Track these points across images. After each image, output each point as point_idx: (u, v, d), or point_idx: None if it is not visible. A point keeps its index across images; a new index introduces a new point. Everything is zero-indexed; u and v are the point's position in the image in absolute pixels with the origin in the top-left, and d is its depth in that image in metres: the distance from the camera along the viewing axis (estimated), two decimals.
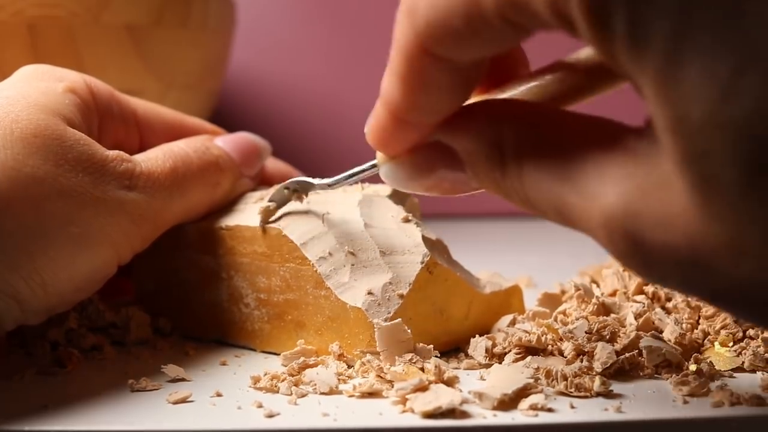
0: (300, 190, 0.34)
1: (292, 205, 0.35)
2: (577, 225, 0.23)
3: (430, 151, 0.27)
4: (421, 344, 0.31)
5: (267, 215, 0.34)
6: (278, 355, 0.33)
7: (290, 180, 0.35)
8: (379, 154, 0.29)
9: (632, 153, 0.21)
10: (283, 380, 0.30)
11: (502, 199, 0.26)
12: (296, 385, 0.29)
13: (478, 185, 0.26)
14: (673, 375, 0.30)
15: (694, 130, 0.18)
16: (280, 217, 0.34)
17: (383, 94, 0.26)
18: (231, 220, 0.36)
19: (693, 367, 0.31)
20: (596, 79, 0.26)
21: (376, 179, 0.36)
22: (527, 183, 0.24)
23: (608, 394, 0.29)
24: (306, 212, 0.35)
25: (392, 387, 0.29)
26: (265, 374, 0.30)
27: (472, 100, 0.27)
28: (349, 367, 0.31)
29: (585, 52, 0.27)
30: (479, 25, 0.22)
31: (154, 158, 0.34)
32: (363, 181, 0.32)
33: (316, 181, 0.34)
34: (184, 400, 0.29)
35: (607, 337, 0.32)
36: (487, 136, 0.25)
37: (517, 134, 0.24)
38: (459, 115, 0.26)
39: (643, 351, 0.31)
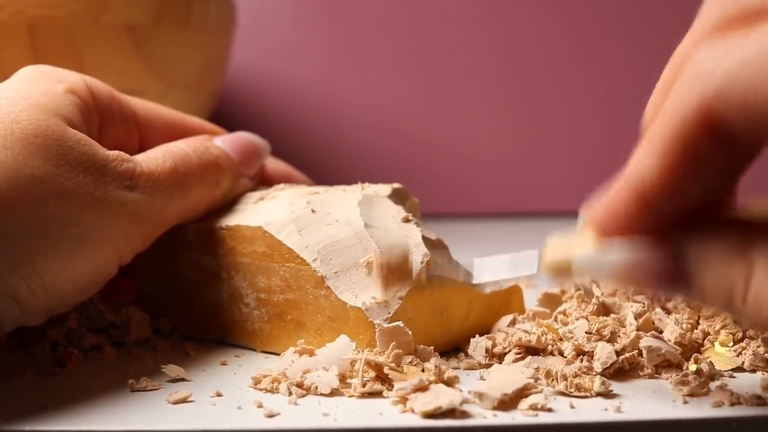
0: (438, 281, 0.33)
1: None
2: None
3: (652, 249, 0.24)
4: (421, 346, 0.31)
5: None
6: (278, 355, 0.33)
7: (435, 261, 0.32)
8: (562, 247, 0.26)
9: None
10: (282, 381, 0.30)
11: (721, 310, 0.24)
12: (297, 385, 0.29)
13: (697, 296, 0.24)
14: (673, 375, 0.30)
15: None
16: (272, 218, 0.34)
17: (633, 174, 0.23)
18: (231, 220, 0.36)
19: (693, 367, 0.31)
20: None
21: (376, 179, 0.36)
22: None
23: (608, 394, 0.29)
24: (306, 212, 0.35)
25: (392, 387, 0.29)
26: (266, 377, 0.30)
27: None
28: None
29: None
30: None
31: (154, 158, 0.34)
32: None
33: (461, 272, 0.32)
34: (184, 400, 0.29)
35: (607, 337, 0.32)
36: (732, 241, 0.23)
37: None
38: (699, 219, 0.24)
39: (643, 351, 0.31)
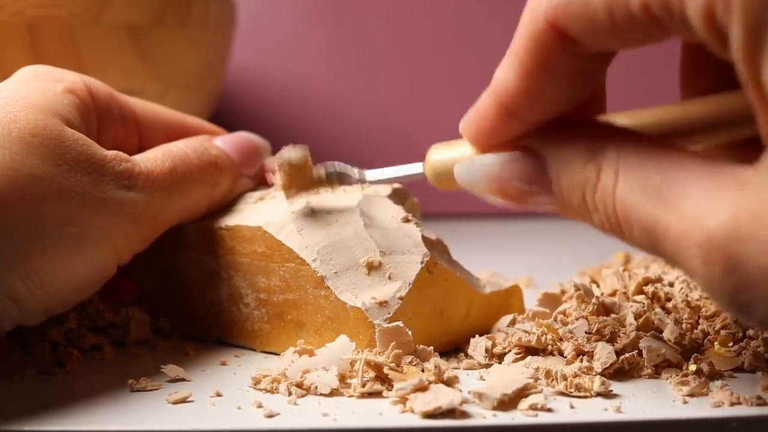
0: (336, 179, 0.34)
1: (320, 194, 0.35)
2: (666, 245, 0.23)
3: (517, 154, 0.26)
4: (421, 346, 0.31)
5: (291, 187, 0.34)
6: (278, 355, 0.33)
7: (331, 163, 0.34)
8: (442, 153, 0.29)
9: (744, 183, 0.21)
10: (282, 381, 0.30)
11: (576, 215, 0.25)
12: (297, 386, 0.29)
13: (556, 199, 0.26)
14: (673, 375, 0.30)
15: None
16: (272, 218, 0.34)
17: (495, 82, 0.25)
18: (231, 220, 0.36)
19: (693, 367, 0.31)
20: (702, 125, 0.26)
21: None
22: (621, 199, 0.23)
23: (608, 394, 0.29)
24: (305, 216, 0.35)
25: (392, 387, 0.29)
26: (265, 377, 0.30)
27: None
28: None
29: (691, 100, 0.27)
30: (620, 13, 0.21)
31: (153, 158, 0.34)
32: (410, 182, 0.33)
33: (355, 171, 0.34)
34: (183, 400, 0.29)
35: (607, 337, 0.32)
36: (586, 146, 0.25)
37: (619, 150, 0.24)
38: (557, 123, 0.25)
39: (643, 351, 0.31)
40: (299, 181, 0.34)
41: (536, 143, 0.26)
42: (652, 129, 0.27)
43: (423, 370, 0.30)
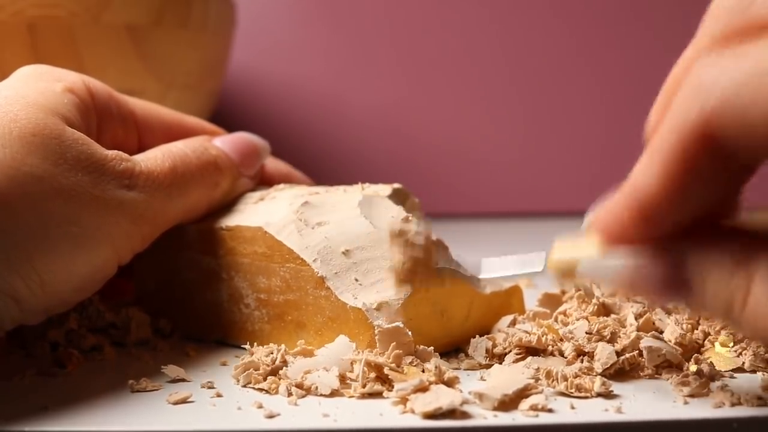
0: (449, 273, 0.33)
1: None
2: None
3: (654, 256, 0.25)
4: (421, 346, 0.31)
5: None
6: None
7: (442, 266, 0.32)
8: (568, 250, 0.27)
9: None
10: (282, 381, 0.30)
11: (720, 321, 0.25)
12: (297, 386, 0.29)
13: (698, 305, 0.24)
14: (674, 375, 0.30)
15: None
16: (271, 218, 0.34)
17: (634, 184, 0.24)
18: (231, 221, 0.36)
19: (693, 368, 0.31)
20: None
21: (376, 179, 0.36)
22: None
23: (608, 395, 0.29)
24: (305, 216, 0.35)
25: (392, 388, 0.29)
26: (266, 378, 0.30)
27: None
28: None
29: None
30: None
31: (153, 158, 0.34)
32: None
33: (468, 272, 0.32)
34: (184, 401, 0.29)
35: (608, 337, 0.32)
36: (732, 252, 0.23)
37: None
38: (701, 228, 0.24)
39: (644, 351, 0.31)
40: (420, 268, 0.32)
41: (676, 249, 0.24)
42: None
43: (423, 371, 0.30)
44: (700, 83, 0.21)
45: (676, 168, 0.22)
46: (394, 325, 0.30)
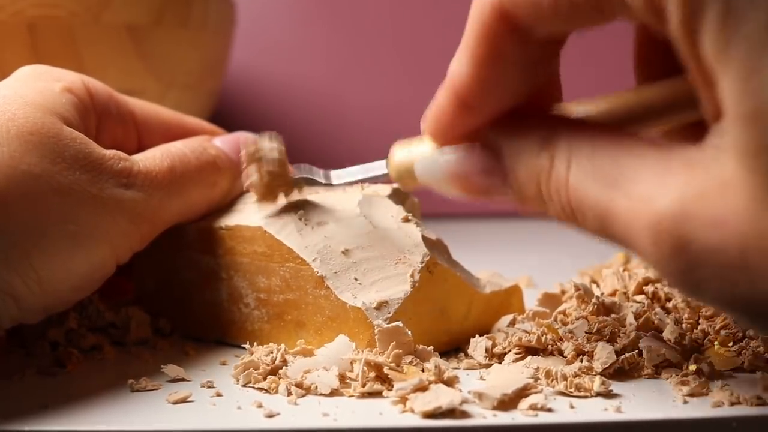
0: (305, 183, 0.34)
1: (294, 195, 0.35)
2: (618, 229, 0.23)
3: (475, 148, 0.27)
4: (421, 346, 0.31)
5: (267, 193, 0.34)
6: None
7: (297, 166, 0.34)
8: (403, 152, 0.29)
9: (691, 163, 0.21)
10: (282, 381, 0.30)
11: (534, 205, 0.25)
12: (297, 386, 0.29)
13: (514, 191, 0.26)
14: (673, 375, 0.30)
15: None
16: (271, 217, 0.34)
17: (449, 75, 0.25)
18: (231, 220, 0.36)
19: (693, 367, 0.31)
20: (652, 110, 0.27)
21: (376, 179, 0.36)
22: (573, 187, 0.24)
23: (608, 394, 0.29)
24: (305, 216, 0.35)
25: (392, 387, 0.29)
26: (266, 378, 0.30)
27: None
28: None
29: (642, 87, 0.28)
30: None
31: (151, 158, 0.34)
32: (376, 182, 0.33)
33: (322, 174, 0.34)
34: (184, 400, 0.29)
35: (607, 337, 0.32)
36: (539, 136, 0.25)
37: (571, 138, 0.24)
38: (511, 116, 0.26)
39: (643, 351, 0.31)
40: (277, 181, 0.34)
41: (492, 135, 0.26)
42: (605, 116, 0.27)
43: (423, 370, 0.30)
44: None
45: (481, 51, 0.24)
46: (393, 324, 0.31)
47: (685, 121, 0.27)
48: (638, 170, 0.22)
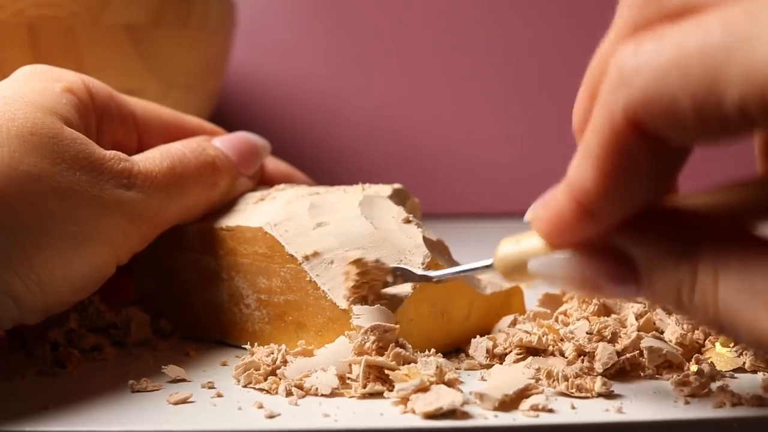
0: (400, 277, 0.32)
1: (387, 289, 0.32)
2: None
3: (600, 254, 0.25)
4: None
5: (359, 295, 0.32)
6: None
7: (394, 266, 0.32)
8: (512, 247, 0.27)
9: None
10: (282, 381, 0.30)
11: (674, 311, 0.24)
12: (297, 386, 0.29)
13: (648, 296, 0.24)
14: (674, 375, 0.30)
15: None
16: (272, 217, 0.34)
17: (571, 179, 0.24)
18: (232, 221, 0.36)
19: (694, 368, 0.31)
20: None
21: (376, 179, 0.36)
22: (723, 303, 0.22)
23: (609, 395, 0.29)
24: (306, 217, 0.35)
25: (393, 388, 0.28)
26: (266, 378, 0.30)
27: None
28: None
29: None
30: (710, 112, 0.20)
31: (151, 158, 0.34)
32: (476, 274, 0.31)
33: (419, 272, 0.32)
34: (184, 401, 0.29)
35: (608, 337, 0.32)
36: (677, 243, 0.23)
37: (716, 248, 0.22)
38: (644, 218, 0.24)
39: (644, 351, 0.31)
40: (370, 283, 0.32)
41: (621, 241, 0.24)
42: (733, 209, 0.25)
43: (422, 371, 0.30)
44: (622, 72, 0.21)
45: (610, 161, 0.22)
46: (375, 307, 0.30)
47: None
48: None
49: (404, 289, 0.32)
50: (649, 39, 0.21)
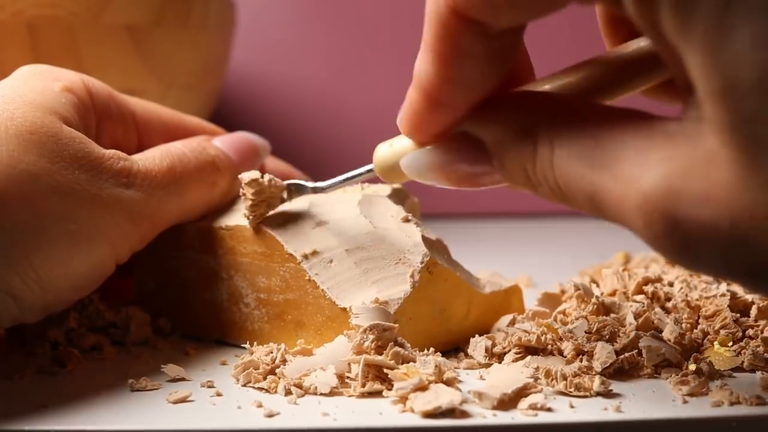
0: (294, 192, 0.34)
1: (284, 206, 0.35)
2: (609, 210, 0.23)
3: (456, 141, 0.26)
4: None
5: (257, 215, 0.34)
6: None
7: (287, 182, 0.35)
8: (386, 149, 0.29)
9: (672, 137, 0.21)
10: (281, 380, 0.30)
11: (526, 190, 0.25)
12: (296, 385, 0.29)
13: (503, 177, 0.26)
14: (673, 374, 0.30)
15: (743, 93, 0.19)
16: (271, 217, 0.34)
17: (416, 75, 0.25)
18: (231, 220, 0.36)
19: (692, 367, 0.31)
20: (626, 74, 0.27)
21: (376, 179, 0.36)
22: (559, 170, 0.23)
23: (608, 394, 0.29)
24: (305, 216, 0.35)
25: (392, 387, 0.29)
26: (266, 377, 0.30)
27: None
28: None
29: (614, 51, 0.27)
30: None
31: (151, 157, 0.34)
32: (364, 181, 0.33)
33: (311, 184, 0.34)
34: (184, 400, 0.29)
35: (607, 336, 0.32)
36: (519, 123, 0.25)
37: (551, 122, 0.24)
38: (488, 104, 0.25)
39: (643, 351, 0.31)
40: (267, 201, 0.34)
41: (471, 127, 0.26)
42: (580, 88, 0.27)
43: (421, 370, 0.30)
44: None
45: (444, 50, 0.24)
46: (373, 305, 0.31)
47: (665, 78, 0.27)
48: (621, 148, 0.22)
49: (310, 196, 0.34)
50: None
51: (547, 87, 0.27)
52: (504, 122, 0.25)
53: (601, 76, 0.27)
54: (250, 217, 0.34)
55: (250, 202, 0.33)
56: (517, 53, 0.26)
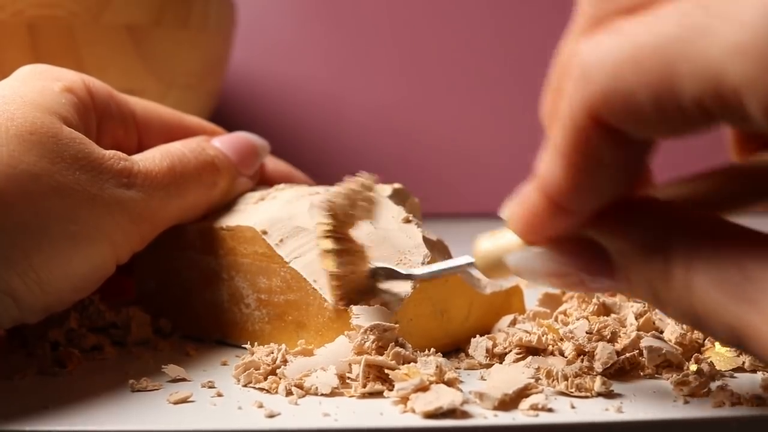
0: (382, 276, 0.32)
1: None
2: (757, 350, 0.21)
3: (576, 247, 0.25)
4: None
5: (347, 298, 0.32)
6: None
7: (376, 266, 0.32)
8: (489, 244, 0.28)
9: None
10: (281, 381, 0.30)
11: (650, 304, 0.24)
12: (297, 386, 0.29)
13: (624, 290, 0.24)
14: (674, 375, 0.30)
15: None
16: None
17: (541, 179, 0.24)
18: (232, 221, 0.36)
19: (693, 367, 0.31)
20: (754, 188, 0.25)
21: (376, 180, 0.36)
22: (697, 297, 0.22)
23: (609, 394, 0.29)
24: (305, 214, 0.35)
25: (393, 387, 0.29)
26: (266, 378, 0.30)
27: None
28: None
29: (744, 163, 0.26)
30: (668, 107, 0.20)
31: (151, 158, 0.34)
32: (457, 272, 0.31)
33: (404, 271, 0.32)
34: (184, 400, 0.29)
35: (608, 337, 0.32)
36: (648, 236, 0.23)
37: (685, 239, 0.22)
38: (617, 210, 0.24)
39: (644, 351, 0.31)
40: (352, 287, 0.32)
41: (595, 235, 0.24)
42: (707, 198, 0.25)
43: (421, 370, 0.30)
44: (581, 68, 0.21)
45: (576, 156, 0.22)
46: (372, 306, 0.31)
47: None
48: (765, 280, 0.20)
49: (404, 287, 0.32)
50: (607, 33, 0.21)
51: (670, 193, 0.26)
52: (633, 233, 0.24)
53: (732, 188, 0.25)
54: (339, 304, 0.31)
55: (334, 295, 0.31)
56: (648, 161, 0.25)
